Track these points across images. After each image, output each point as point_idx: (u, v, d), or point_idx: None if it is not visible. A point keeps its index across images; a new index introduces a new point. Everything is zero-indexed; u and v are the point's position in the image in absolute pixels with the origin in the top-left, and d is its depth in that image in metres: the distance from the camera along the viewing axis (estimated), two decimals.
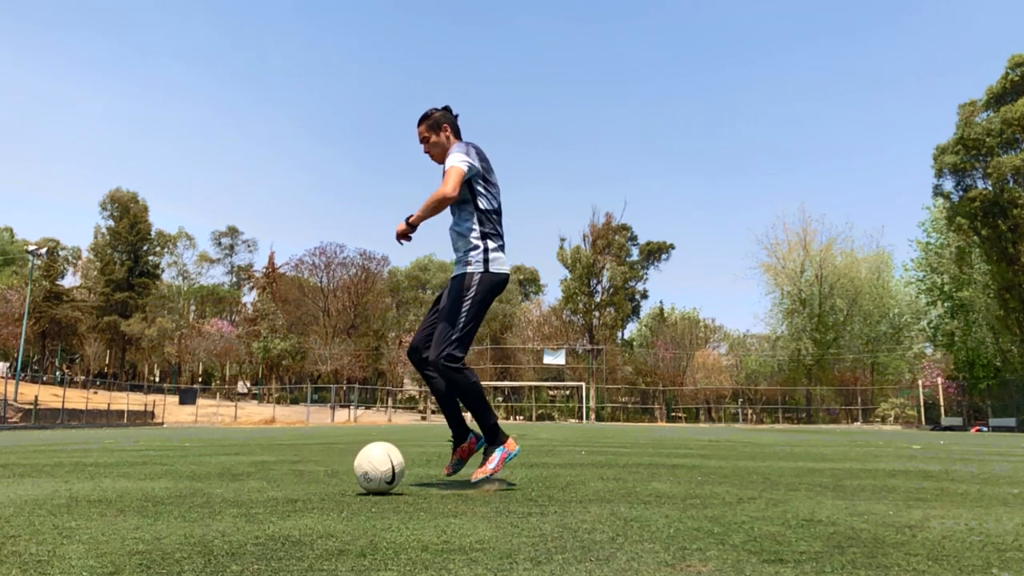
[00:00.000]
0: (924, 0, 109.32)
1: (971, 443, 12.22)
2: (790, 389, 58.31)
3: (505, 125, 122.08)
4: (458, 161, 3.30)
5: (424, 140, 3.52)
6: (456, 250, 3.45)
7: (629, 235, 68.35)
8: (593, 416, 57.54)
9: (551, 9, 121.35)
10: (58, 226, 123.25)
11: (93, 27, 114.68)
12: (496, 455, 3.36)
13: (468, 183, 3.37)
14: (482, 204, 3.40)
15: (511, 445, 3.42)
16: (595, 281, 63.85)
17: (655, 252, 72.34)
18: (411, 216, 3.35)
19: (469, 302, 3.28)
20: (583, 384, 58.68)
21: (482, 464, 3.38)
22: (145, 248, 72.77)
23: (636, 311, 71.22)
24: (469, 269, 3.32)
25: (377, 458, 3.11)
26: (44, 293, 62.24)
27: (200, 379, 70.42)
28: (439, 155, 3.50)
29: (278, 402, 60.70)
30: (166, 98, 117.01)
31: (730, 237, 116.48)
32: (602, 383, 60.18)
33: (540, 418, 59.61)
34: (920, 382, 50.89)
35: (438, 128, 3.51)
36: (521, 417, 60.20)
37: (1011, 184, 41.08)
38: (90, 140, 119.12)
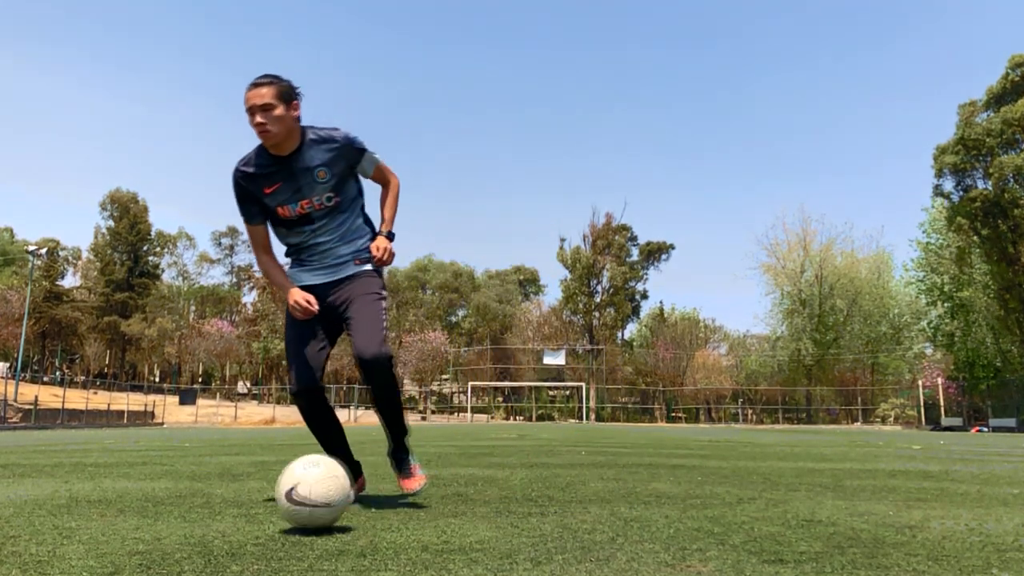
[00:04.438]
0: (925, 0, 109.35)
1: (971, 443, 12.22)
2: (790, 389, 58.31)
3: (505, 125, 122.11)
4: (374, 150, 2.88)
5: (265, 109, 2.60)
6: (337, 255, 2.85)
7: (629, 235, 68.33)
8: (593, 416, 57.54)
9: (551, 10, 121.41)
10: (58, 226, 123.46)
11: (93, 26, 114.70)
12: (415, 464, 2.94)
13: (356, 176, 2.90)
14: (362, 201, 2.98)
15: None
16: (595, 281, 63.86)
17: (655, 252, 72.28)
18: (389, 230, 2.91)
19: (385, 303, 2.87)
20: (583, 384, 58.68)
21: (410, 475, 2.89)
22: (145, 248, 72.80)
23: (636, 311, 71.19)
24: (369, 267, 2.87)
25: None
26: (44, 293, 62.27)
27: (200, 379, 70.43)
28: (280, 134, 2.64)
29: (278, 402, 60.70)
30: (166, 98, 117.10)
31: (730, 237, 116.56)
32: (602, 383, 60.18)
33: (540, 418, 59.59)
34: (920, 382, 50.88)
35: (290, 100, 2.66)
36: (521, 417, 60.19)
37: (1012, 184, 41.10)
38: (90, 140, 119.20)
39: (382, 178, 2.97)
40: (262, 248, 2.90)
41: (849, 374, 56.58)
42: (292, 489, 2.11)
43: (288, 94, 2.66)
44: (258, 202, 2.80)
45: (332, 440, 2.90)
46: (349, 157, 2.81)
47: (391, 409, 2.83)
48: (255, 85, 2.62)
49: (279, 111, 2.62)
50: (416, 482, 2.86)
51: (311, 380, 2.78)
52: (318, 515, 2.10)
